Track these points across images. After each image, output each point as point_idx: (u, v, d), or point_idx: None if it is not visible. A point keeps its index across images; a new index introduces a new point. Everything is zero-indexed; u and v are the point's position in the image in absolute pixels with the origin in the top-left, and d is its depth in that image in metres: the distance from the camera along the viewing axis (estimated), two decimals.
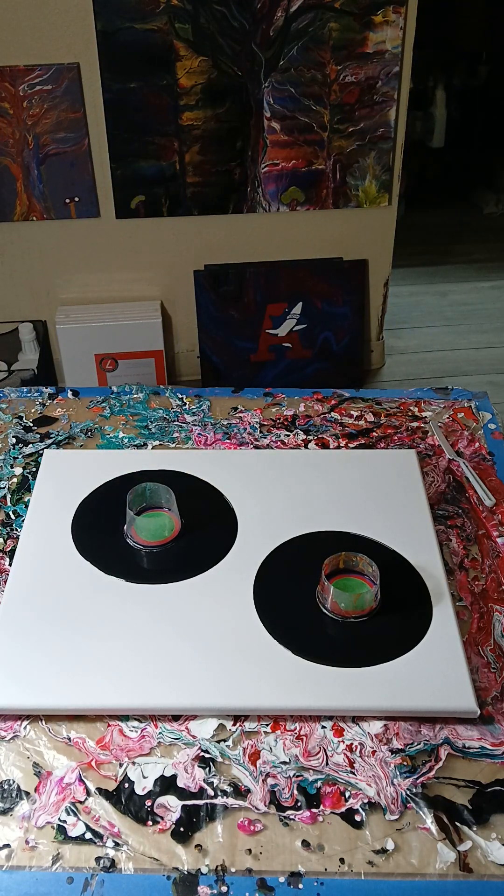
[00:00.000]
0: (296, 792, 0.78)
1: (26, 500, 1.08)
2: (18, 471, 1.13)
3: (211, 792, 0.78)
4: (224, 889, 0.72)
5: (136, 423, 1.22)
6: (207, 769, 0.79)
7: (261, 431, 1.20)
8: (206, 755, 0.80)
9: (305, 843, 0.74)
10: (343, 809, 0.77)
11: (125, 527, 1.01)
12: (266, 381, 2.57)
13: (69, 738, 0.82)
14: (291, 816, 0.76)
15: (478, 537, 1.04)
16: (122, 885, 0.72)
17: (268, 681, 0.85)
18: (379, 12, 2.03)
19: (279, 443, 1.18)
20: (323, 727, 0.83)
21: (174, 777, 0.79)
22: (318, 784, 0.78)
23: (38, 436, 1.20)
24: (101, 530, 1.01)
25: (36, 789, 0.78)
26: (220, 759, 0.80)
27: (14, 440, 1.18)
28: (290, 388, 1.29)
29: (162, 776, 0.79)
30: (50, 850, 0.74)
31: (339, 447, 1.17)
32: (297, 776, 0.79)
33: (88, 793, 0.78)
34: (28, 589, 0.94)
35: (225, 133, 2.19)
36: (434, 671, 0.86)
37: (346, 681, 0.85)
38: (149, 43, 2.04)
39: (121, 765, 0.80)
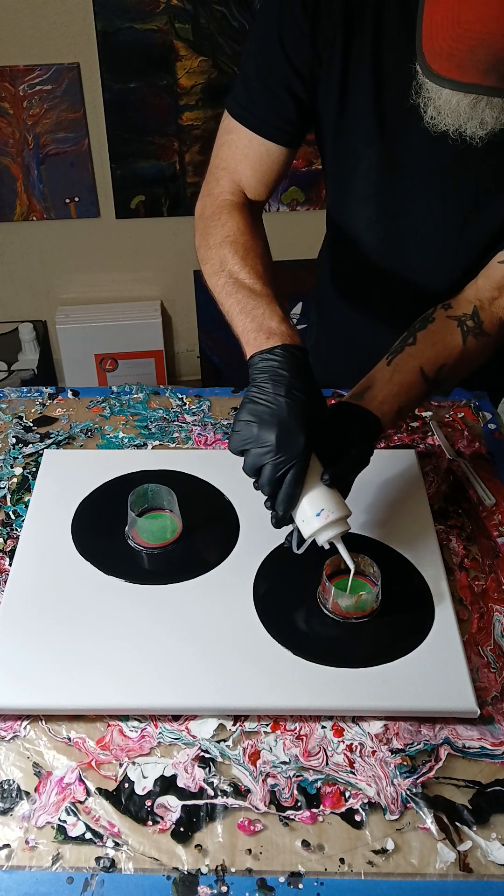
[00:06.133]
0: (296, 792, 0.78)
1: (26, 500, 1.08)
2: (18, 471, 1.13)
3: (211, 792, 0.78)
4: (224, 889, 0.72)
5: (136, 423, 1.22)
6: (207, 769, 0.79)
7: None
8: (206, 755, 0.80)
9: (305, 843, 0.74)
10: (343, 809, 0.77)
11: (126, 528, 1.00)
12: None
13: (69, 738, 0.82)
14: (291, 816, 0.76)
15: (478, 537, 1.04)
16: (122, 885, 0.72)
17: (268, 681, 0.85)
18: None
19: None
20: (323, 727, 0.83)
21: (174, 777, 0.79)
22: (318, 784, 0.78)
23: (38, 436, 1.20)
24: (101, 531, 1.01)
25: (36, 789, 0.78)
26: (220, 759, 0.80)
27: (14, 440, 1.18)
28: None
29: (162, 776, 0.79)
30: (50, 850, 0.74)
31: None
32: (297, 776, 0.79)
33: (88, 793, 0.78)
34: (28, 589, 0.94)
35: None
36: (434, 671, 0.85)
37: (346, 681, 0.85)
38: (149, 43, 2.04)
39: (121, 765, 0.80)
